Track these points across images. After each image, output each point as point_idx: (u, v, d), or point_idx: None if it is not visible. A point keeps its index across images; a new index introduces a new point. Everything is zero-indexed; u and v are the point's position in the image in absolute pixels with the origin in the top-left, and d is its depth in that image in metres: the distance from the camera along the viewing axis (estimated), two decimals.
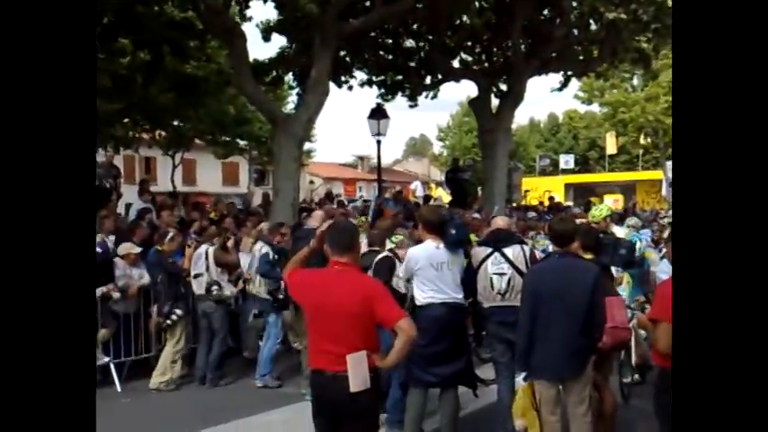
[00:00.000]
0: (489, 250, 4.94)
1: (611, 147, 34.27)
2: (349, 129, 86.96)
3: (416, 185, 21.46)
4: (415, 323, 4.75)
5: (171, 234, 6.97)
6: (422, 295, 4.76)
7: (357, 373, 3.03)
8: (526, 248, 4.96)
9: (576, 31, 13.82)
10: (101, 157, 17.93)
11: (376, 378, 3.17)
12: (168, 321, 6.65)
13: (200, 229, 8.17)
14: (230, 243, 7.24)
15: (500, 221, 5.35)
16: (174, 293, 6.72)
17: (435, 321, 4.67)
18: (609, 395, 4.75)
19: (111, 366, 6.70)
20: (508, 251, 4.85)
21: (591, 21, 13.31)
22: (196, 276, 6.81)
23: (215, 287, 6.72)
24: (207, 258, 6.80)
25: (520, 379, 4.48)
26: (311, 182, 31.55)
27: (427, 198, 17.62)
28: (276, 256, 6.65)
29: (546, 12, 13.73)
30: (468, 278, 4.94)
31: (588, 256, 4.81)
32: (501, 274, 4.78)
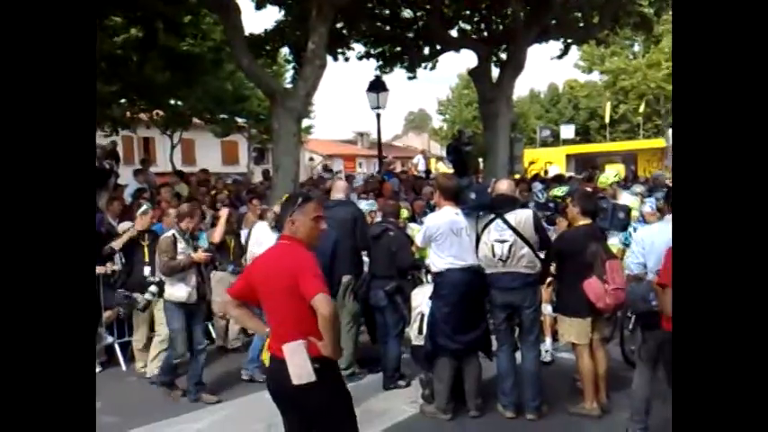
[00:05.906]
0: (491, 216, 4.85)
1: (606, 114, 34.03)
2: (347, 106, 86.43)
3: (419, 159, 21.42)
4: (435, 290, 4.79)
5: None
6: (440, 261, 4.74)
7: (296, 363, 2.76)
8: (531, 213, 4.86)
9: None
10: (100, 139, 17.74)
11: (326, 369, 2.82)
12: None
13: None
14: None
15: (502, 186, 5.13)
16: None
17: (456, 287, 4.69)
18: (603, 355, 4.93)
19: (116, 347, 6.70)
20: (510, 217, 4.75)
21: None
22: None
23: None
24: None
25: None
26: (311, 159, 31.28)
27: (428, 172, 17.50)
28: None
29: None
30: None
31: (586, 221, 4.81)
32: (502, 241, 4.70)
